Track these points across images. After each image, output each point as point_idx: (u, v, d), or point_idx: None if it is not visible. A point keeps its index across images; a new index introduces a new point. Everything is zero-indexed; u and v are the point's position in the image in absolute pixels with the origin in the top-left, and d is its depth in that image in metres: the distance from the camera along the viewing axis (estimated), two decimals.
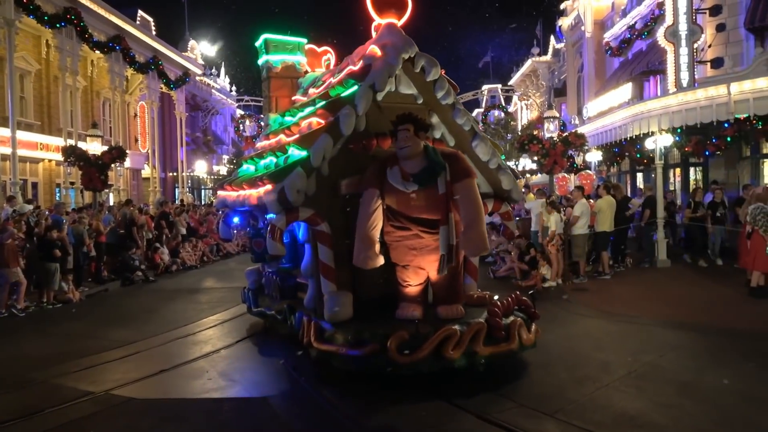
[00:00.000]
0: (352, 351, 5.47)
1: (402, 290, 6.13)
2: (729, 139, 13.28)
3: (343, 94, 6.37)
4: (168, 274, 14.41)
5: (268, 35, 8.43)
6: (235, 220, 8.00)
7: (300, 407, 5.39)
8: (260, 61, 8.72)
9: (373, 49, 6.23)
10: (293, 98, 8.43)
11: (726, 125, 13.15)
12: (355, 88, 6.12)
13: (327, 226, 5.98)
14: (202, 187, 38.89)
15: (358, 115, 5.89)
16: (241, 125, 22.83)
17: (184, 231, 16.64)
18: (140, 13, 26.34)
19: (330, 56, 8.82)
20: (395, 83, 6.24)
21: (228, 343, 7.57)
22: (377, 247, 5.73)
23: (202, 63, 35.14)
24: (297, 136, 6.59)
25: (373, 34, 6.61)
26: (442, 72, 6.37)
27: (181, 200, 25.35)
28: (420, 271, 6.03)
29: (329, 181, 6.00)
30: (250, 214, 7.96)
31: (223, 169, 35.46)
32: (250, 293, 8.18)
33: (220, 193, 8.23)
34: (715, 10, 16.26)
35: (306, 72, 8.63)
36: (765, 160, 13.82)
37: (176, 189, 31.25)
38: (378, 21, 6.44)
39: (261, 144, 8.22)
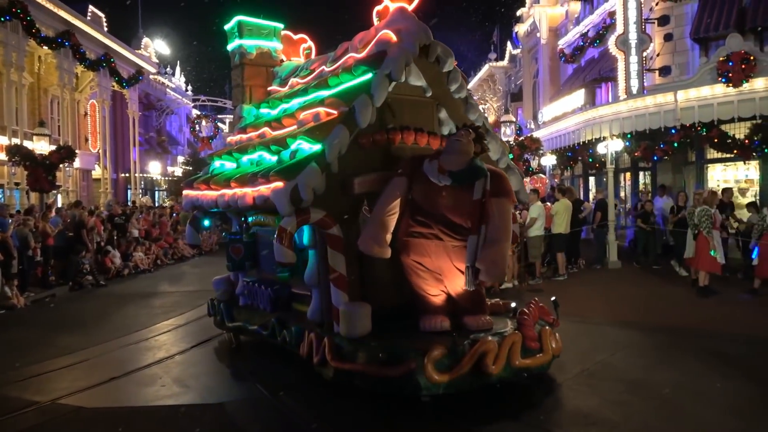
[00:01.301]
0: (383, 370, 5.04)
1: (425, 300, 5.64)
2: (676, 144, 13.77)
3: (352, 83, 6.08)
4: (119, 278, 13.95)
5: (242, 17, 7.79)
6: (206, 223, 7.71)
7: (257, 412, 5.28)
8: (231, 47, 7.99)
9: (387, 34, 5.90)
10: (269, 88, 8.04)
11: (673, 131, 13.64)
12: (369, 76, 5.79)
13: (339, 229, 5.54)
14: (156, 188, 37.88)
15: (375, 105, 5.50)
16: (197, 125, 22.33)
17: (136, 233, 16.16)
18: (91, 8, 25.53)
19: (310, 44, 8.34)
20: (405, 73, 5.78)
21: (182, 349, 7.38)
22: (389, 236, 5.45)
23: (157, 61, 34.24)
24: (294, 127, 6.24)
25: (375, 20, 6.30)
26: (455, 63, 6.15)
27: (133, 201, 24.64)
28: (438, 277, 5.61)
29: (338, 179, 5.57)
30: (222, 216, 7.69)
31: (178, 170, 34.59)
32: (222, 305, 7.55)
33: (190, 192, 7.57)
34: (663, 21, 16.83)
35: (281, 61, 8.19)
36: (709, 165, 14.38)
37: (128, 190, 30.37)
38: (387, 4, 6.16)
39: (235, 138, 7.65)
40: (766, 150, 12.73)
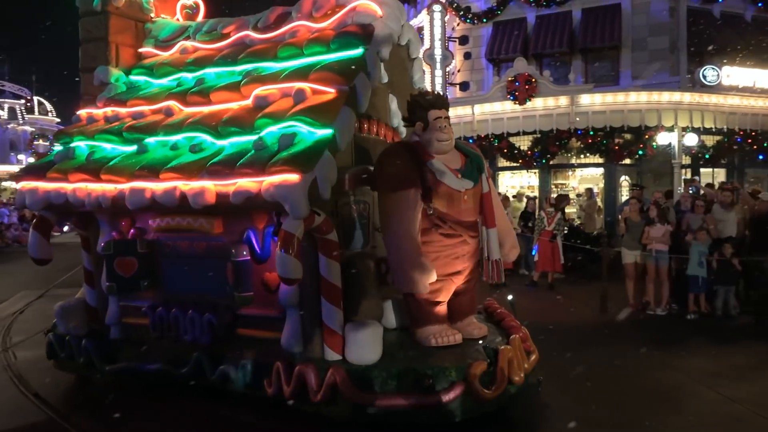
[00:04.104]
0: (429, 399, 4.22)
1: (434, 312, 4.87)
2: None
3: (328, 57, 4.95)
4: None
5: None
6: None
7: None
8: None
9: (368, 5, 4.98)
10: (141, 50, 6.20)
11: (471, 141, 15.01)
12: (358, 51, 4.80)
13: (336, 234, 4.49)
14: None
15: (373, 87, 4.65)
16: None
17: None
18: None
19: (196, 1, 6.59)
20: None
21: None
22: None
23: None
24: (236, 104, 4.93)
25: None
26: None
27: None
28: (452, 284, 4.92)
29: None
30: (83, 219, 5.54)
31: None
32: (85, 342, 5.47)
33: (42, 185, 5.26)
34: (463, 40, 18.43)
35: (152, 18, 6.37)
36: (500, 172, 16.21)
37: None
38: None
39: (102, 112, 5.73)
40: (543, 161, 14.95)
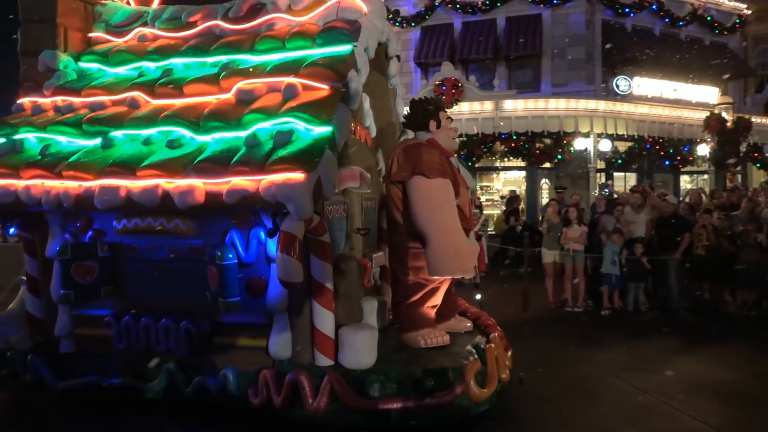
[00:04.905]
0: (433, 401, 4.16)
1: (426, 314, 4.85)
2: None
3: (312, 52, 4.72)
4: None
5: None
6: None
7: None
8: None
9: (355, 2, 4.82)
10: (91, 35, 5.64)
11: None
12: (349, 47, 4.61)
13: (328, 235, 4.28)
14: None
15: (362, 83, 4.46)
16: None
17: None
18: None
19: None
20: None
21: None
22: None
23: None
24: (214, 97, 4.63)
25: None
26: None
27: None
28: (447, 283, 4.94)
29: None
30: (29, 220, 4.94)
31: None
32: (31, 357, 4.86)
33: None
34: None
35: (102, 1, 5.83)
36: None
37: None
38: None
39: (51, 101, 5.16)
40: (469, 164, 15.35)
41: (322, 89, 4.40)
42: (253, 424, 4.45)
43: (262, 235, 4.46)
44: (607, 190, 14.69)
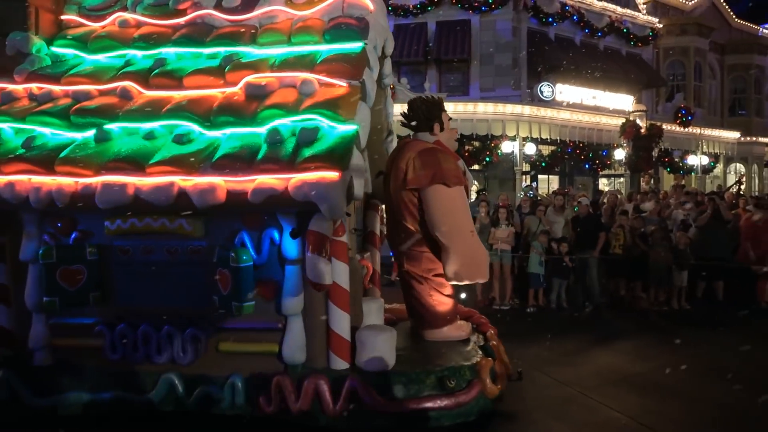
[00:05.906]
0: (454, 400, 4.16)
1: (448, 310, 4.86)
2: None
3: (319, 48, 4.59)
4: None
5: None
6: None
7: None
8: None
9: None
10: (64, 17, 5.16)
11: None
12: (360, 45, 4.52)
13: (347, 235, 4.13)
14: None
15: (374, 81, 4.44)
16: None
17: None
18: None
19: None
20: None
21: None
22: None
23: None
24: (219, 90, 4.39)
25: None
26: None
27: None
28: None
29: None
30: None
31: None
32: (5, 373, 4.37)
33: None
34: None
35: None
36: None
37: None
38: None
39: (24, 88, 4.68)
40: None
41: (341, 86, 4.32)
42: None
43: (276, 235, 4.30)
44: (531, 192, 15.50)
